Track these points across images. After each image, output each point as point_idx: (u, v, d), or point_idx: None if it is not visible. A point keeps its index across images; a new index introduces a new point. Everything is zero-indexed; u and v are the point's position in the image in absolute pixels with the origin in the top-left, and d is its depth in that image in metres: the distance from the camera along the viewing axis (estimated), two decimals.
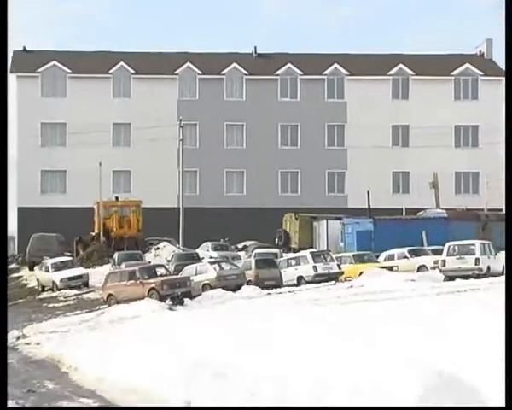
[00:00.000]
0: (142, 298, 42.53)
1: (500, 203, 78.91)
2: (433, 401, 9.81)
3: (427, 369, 10.70)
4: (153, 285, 44.89)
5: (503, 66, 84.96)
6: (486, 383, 10.48)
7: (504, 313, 7.92)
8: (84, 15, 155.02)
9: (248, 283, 46.55)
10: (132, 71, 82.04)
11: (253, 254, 54.95)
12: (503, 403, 7.88)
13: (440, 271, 45.60)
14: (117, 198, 71.03)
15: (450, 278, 43.19)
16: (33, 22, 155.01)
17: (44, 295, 54.43)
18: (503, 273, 45.14)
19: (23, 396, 20.09)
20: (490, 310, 24.95)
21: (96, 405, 18.34)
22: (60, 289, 54.39)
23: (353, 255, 54.20)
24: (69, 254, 63.21)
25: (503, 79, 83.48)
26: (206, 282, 46.30)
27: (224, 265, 49.57)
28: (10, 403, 4.97)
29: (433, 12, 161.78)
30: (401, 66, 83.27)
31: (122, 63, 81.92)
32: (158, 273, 47.35)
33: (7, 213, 7.05)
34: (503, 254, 48.51)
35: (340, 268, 49.56)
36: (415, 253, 52.57)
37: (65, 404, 18.80)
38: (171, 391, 16.15)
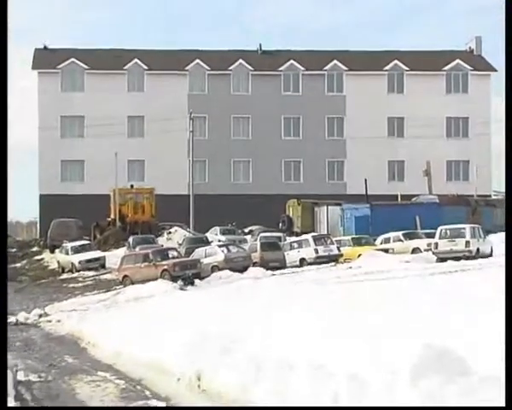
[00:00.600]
0: (156, 279, 42.65)
1: (488, 189, 79.30)
2: (424, 369, 9.89)
3: (419, 341, 10.77)
4: (165, 267, 45.04)
5: (491, 61, 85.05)
6: (472, 354, 10.57)
7: (504, 312, 7.50)
8: (101, 18, 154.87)
9: (254, 264, 46.65)
10: (145, 67, 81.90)
11: (258, 238, 54.93)
12: (502, 402, 7.43)
13: (433, 253, 45.63)
14: (132, 186, 71.02)
15: (442, 260, 43.20)
16: (53, 22, 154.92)
17: (64, 276, 54.54)
18: (491, 255, 45.35)
19: (45, 370, 20.13)
20: (480, 287, 25.06)
21: (113, 377, 18.38)
22: (78, 271, 54.51)
23: (352, 239, 54.27)
24: (87, 238, 63.23)
25: (492, 73, 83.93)
26: (215, 264, 46.41)
27: (231, 248, 49.66)
28: (11, 403, 4.82)
29: (425, 10, 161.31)
30: (396, 62, 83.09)
31: (136, 60, 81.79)
32: (170, 256, 47.49)
33: (7, 209, 6.81)
34: (491, 237, 48.70)
35: (339, 251, 49.66)
36: (409, 236, 52.55)
37: (84, 377, 18.83)
38: (183, 364, 16.22)
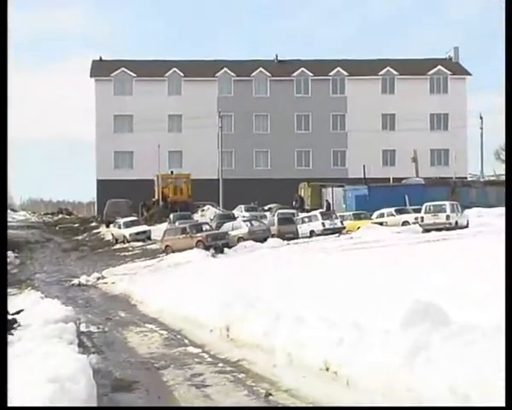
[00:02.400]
0: (192, 248, 42.76)
1: (464, 173, 79.07)
2: (414, 323, 9.87)
3: (409, 297, 10.74)
4: (199, 238, 45.12)
5: (467, 68, 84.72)
6: (452, 307, 10.54)
7: (504, 311, 7.52)
8: (146, 32, 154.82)
9: (272, 236, 46.64)
10: (182, 75, 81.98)
11: (275, 214, 54.90)
12: (502, 402, 6.72)
13: (419, 225, 45.56)
14: (172, 172, 71.18)
15: (427, 231, 43.12)
16: (107, 37, 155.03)
17: (117, 246, 54.77)
18: (467, 226, 45.27)
19: (102, 322, 20.27)
20: (457, 252, 25.02)
21: (158, 329, 18.42)
22: (129, 242, 54.69)
23: (353, 214, 54.21)
24: (136, 215, 63.44)
25: (467, 77, 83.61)
26: (240, 235, 46.44)
27: (253, 222, 49.65)
28: (11, 403, 4.73)
29: (412, 25, 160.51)
30: (388, 68, 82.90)
31: (174, 69, 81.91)
32: (203, 229, 47.55)
33: (6, 208, 6.67)
34: (467, 212, 48.58)
35: (342, 224, 49.63)
36: (399, 211, 52.44)
37: (134, 328, 18.91)
38: (214, 317, 16.23)
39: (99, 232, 64.75)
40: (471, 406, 7.04)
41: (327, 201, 65.48)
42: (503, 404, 6.35)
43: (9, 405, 3.65)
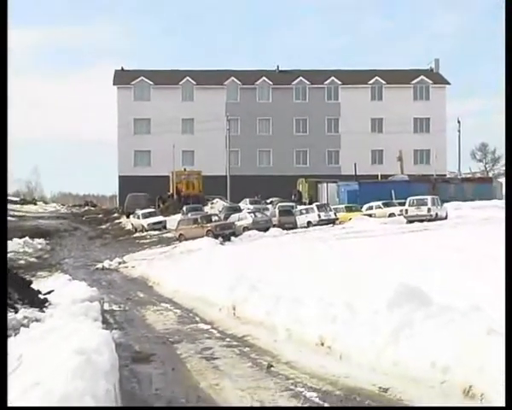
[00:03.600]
0: (202, 236, 42.73)
1: (444, 170, 79.03)
2: (399, 304, 9.87)
3: (396, 281, 10.75)
4: (209, 228, 45.10)
5: (447, 77, 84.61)
6: (433, 290, 10.55)
7: (504, 310, 7.23)
8: (162, 45, 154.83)
9: (274, 226, 46.61)
10: (194, 83, 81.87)
11: (276, 207, 54.89)
12: (502, 402, 6.41)
13: (404, 216, 45.53)
14: (185, 169, 71.16)
15: (411, 222, 43.12)
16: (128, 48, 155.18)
17: (136, 234, 54.79)
18: (446, 218, 45.26)
19: (123, 302, 20.26)
20: (437, 240, 25.04)
21: (172, 307, 18.39)
22: (147, 231, 54.68)
23: (345, 207, 54.16)
24: (153, 207, 63.47)
25: (446, 86, 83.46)
26: (246, 225, 46.40)
27: (257, 214, 49.62)
28: (13, 402, 4.59)
29: (398, 39, 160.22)
30: (377, 77, 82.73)
31: (187, 77, 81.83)
32: (213, 220, 47.54)
33: (6, 206, 6.54)
34: (446, 205, 48.55)
35: (335, 216, 49.60)
36: (386, 205, 52.42)
37: (151, 307, 18.90)
38: (220, 298, 16.25)
39: (120, 222, 64.83)
40: (471, 406, 6.88)
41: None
42: (503, 404, 6.06)
43: (9, 405, 3.48)
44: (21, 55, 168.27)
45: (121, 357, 9.73)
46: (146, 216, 57.78)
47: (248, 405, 8.03)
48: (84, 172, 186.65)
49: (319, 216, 48.76)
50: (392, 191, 55.86)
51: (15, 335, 11.51)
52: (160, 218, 57.93)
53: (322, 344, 10.83)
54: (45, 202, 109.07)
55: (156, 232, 53.66)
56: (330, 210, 50.50)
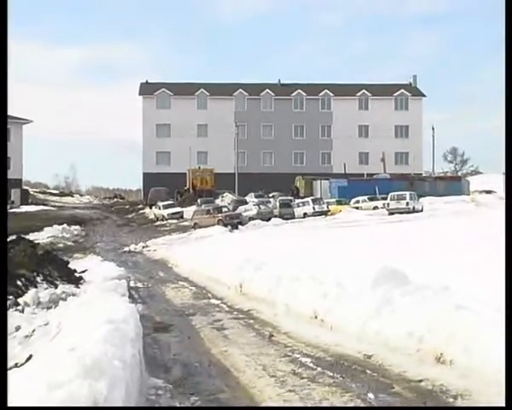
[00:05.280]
0: (214, 225, 42.72)
1: (420, 170, 78.94)
2: (381, 283, 9.86)
3: (379, 264, 10.73)
4: (220, 217, 45.05)
5: (423, 91, 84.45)
6: (411, 272, 10.53)
7: (504, 309, 6.53)
8: (180, 62, 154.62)
9: (275, 216, 46.60)
10: (208, 94, 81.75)
11: (277, 200, 54.82)
12: (502, 402, 5.85)
13: (386, 209, 45.49)
14: (199, 167, 71.19)
15: (392, 213, 43.06)
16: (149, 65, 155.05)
17: (158, 223, 54.77)
18: (422, 210, 45.20)
19: (146, 280, 20.24)
20: (414, 229, 25.01)
21: (188, 285, 18.39)
22: (167, 220, 54.66)
23: (336, 200, 54.07)
24: (172, 199, 63.44)
25: (422, 98, 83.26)
26: (251, 216, 46.36)
27: (261, 206, 49.63)
28: (11, 402, 4.20)
29: (382, 58, 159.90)
30: (364, 90, 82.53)
31: (202, 89, 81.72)
32: (223, 211, 47.50)
33: (6, 203, 6.38)
34: (422, 200, 48.47)
35: (328, 208, 49.55)
36: (371, 199, 52.39)
37: (170, 284, 18.88)
38: (229, 277, 16.24)
39: (144, 212, 64.83)
40: (471, 406, 6.53)
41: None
42: (503, 404, 5.68)
43: (9, 405, 3.20)
44: (65, 71, 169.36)
45: (145, 327, 9.73)
46: (166, 207, 57.78)
47: (252, 369, 8.03)
48: (113, 169, 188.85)
49: (314, 208, 48.65)
50: (376, 188, 55.82)
51: (55, 307, 11.54)
52: (178, 209, 57.89)
53: (316, 317, 10.82)
54: (81, 195, 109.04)
55: (174, 221, 53.63)
56: (323, 203, 50.42)
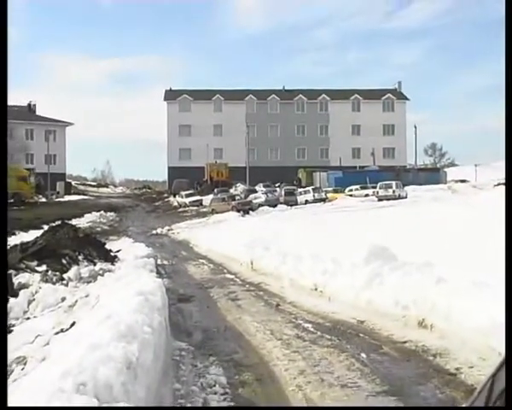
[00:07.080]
0: (228, 211, 42.78)
1: (405, 162, 78.57)
2: (372, 259, 9.83)
3: (370, 243, 10.70)
4: (233, 204, 45.12)
5: (407, 95, 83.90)
6: (399, 250, 10.49)
7: (504, 308, 5.73)
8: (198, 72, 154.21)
9: (281, 203, 46.58)
10: (223, 99, 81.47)
11: (283, 189, 54.77)
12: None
13: (376, 196, 45.37)
14: (216, 162, 71.36)
15: (380, 200, 42.91)
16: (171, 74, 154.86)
17: (180, 209, 54.81)
18: (406, 197, 44.98)
19: (171, 258, 20.26)
20: (399, 212, 24.88)
21: (207, 262, 18.39)
22: (188, 207, 54.72)
23: (332, 189, 54.04)
24: (192, 189, 63.49)
25: (406, 101, 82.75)
26: (260, 203, 46.38)
27: (268, 194, 49.63)
28: (10, 402, 3.54)
29: (372, 67, 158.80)
30: (356, 95, 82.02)
31: (218, 95, 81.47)
32: (236, 198, 47.58)
33: (7, 202, 5.67)
34: (406, 188, 48.26)
35: (326, 196, 49.46)
36: (363, 188, 52.14)
37: (192, 262, 18.89)
38: (242, 255, 16.26)
39: (169, 200, 64.93)
40: (471, 406, 6.49)
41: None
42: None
43: (9, 405, 2.85)
44: (100, 81, 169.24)
45: (170, 298, 9.75)
46: (187, 196, 57.87)
47: (262, 333, 8.03)
48: (143, 163, 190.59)
49: (314, 196, 48.57)
50: (367, 178, 55.65)
51: (94, 281, 11.60)
52: (198, 197, 57.89)
53: (316, 289, 10.84)
54: (115, 186, 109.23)
55: (195, 208, 53.64)
56: (322, 192, 50.35)
